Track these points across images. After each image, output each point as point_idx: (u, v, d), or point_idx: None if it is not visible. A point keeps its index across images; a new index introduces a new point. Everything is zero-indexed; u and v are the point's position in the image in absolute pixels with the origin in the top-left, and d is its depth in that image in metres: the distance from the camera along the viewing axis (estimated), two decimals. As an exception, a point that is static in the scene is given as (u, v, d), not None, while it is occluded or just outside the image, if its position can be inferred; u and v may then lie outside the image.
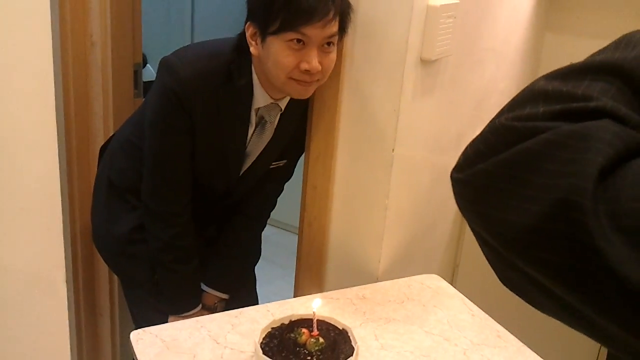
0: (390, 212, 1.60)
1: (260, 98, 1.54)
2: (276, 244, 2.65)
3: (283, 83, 1.42)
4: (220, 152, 1.61)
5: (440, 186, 1.88)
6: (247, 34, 1.44)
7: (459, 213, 2.06)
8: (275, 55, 1.38)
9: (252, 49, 1.44)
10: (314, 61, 1.37)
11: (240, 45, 1.48)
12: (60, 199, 1.45)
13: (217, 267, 1.80)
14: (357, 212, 1.64)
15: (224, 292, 1.80)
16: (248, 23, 1.43)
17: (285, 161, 1.75)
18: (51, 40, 1.26)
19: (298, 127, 1.67)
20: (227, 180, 1.69)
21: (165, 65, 1.49)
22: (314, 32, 1.35)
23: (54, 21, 1.26)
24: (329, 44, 1.39)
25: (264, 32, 1.38)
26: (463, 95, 1.86)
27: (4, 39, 1.26)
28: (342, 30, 1.42)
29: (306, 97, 1.49)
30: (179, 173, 1.60)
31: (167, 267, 1.67)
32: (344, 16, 1.41)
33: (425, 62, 1.53)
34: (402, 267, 1.74)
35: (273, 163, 1.73)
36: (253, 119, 1.57)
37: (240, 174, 1.69)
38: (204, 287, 1.78)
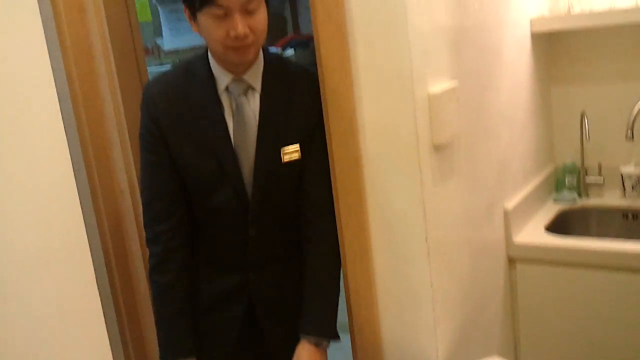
0: (437, 299, 1.57)
1: (222, 77, 1.55)
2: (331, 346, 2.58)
3: (222, 53, 1.47)
4: (206, 152, 1.55)
5: (482, 261, 1.86)
6: (186, 16, 1.50)
7: (507, 287, 2.04)
8: (207, 30, 1.44)
9: (194, 29, 1.50)
10: (239, 27, 1.41)
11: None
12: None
13: (310, 312, 1.63)
14: (404, 308, 1.61)
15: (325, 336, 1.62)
16: (184, 6, 1.49)
17: (296, 148, 1.59)
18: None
19: (295, 112, 1.59)
20: (233, 189, 1.57)
21: (145, 91, 1.59)
22: (232, 1, 1.39)
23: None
24: (248, 4, 1.41)
25: (193, 12, 1.45)
26: (484, 168, 1.86)
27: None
28: None
29: (248, 60, 1.51)
30: (162, 186, 1.57)
31: (152, 301, 1.64)
32: None
33: (438, 147, 1.55)
34: (461, 352, 1.69)
35: (284, 154, 1.57)
36: (225, 102, 1.56)
37: (248, 179, 1.57)
38: (304, 342, 1.60)
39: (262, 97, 1.56)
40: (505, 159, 2.04)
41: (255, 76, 1.56)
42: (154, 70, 2.58)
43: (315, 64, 1.54)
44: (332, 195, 1.60)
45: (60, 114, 1.02)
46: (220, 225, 1.64)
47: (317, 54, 1.52)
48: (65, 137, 1.04)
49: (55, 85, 1.01)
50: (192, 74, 1.56)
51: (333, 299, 1.64)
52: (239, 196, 1.57)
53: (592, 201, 2.38)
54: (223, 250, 1.66)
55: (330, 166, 1.59)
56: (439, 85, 1.53)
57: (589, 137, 2.30)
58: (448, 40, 1.61)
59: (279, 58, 1.68)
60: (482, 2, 1.80)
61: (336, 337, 1.63)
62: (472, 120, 1.74)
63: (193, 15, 1.45)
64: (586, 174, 2.39)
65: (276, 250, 1.68)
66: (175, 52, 2.72)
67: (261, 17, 1.45)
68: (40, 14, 0.98)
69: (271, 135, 1.56)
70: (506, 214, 2.01)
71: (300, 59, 2.68)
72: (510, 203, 2.04)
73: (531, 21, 2.20)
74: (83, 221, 1.07)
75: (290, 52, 2.71)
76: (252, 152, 1.56)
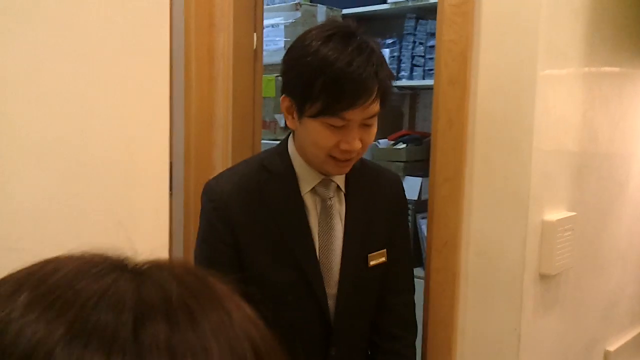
0: None
1: (309, 177, 1.37)
2: None
3: (322, 161, 1.31)
4: (286, 262, 1.35)
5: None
6: (283, 106, 1.33)
7: None
8: (314, 135, 1.27)
9: (288, 122, 1.34)
10: (354, 142, 1.26)
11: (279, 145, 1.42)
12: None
13: None
14: None
15: None
16: (283, 95, 1.32)
17: (383, 252, 1.43)
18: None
19: (383, 217, 1.44)
20: (317, 305, 1.37)
21: (204, 190, 1.39)
22: (356, 115, 1.24)
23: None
24: (370, 118, 1.28)
25: (301, 112, 1.27)
26: (588, 306, 1.74)
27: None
28: (383, 105, 1.29)
29: (344, 173, 1.37)
30: None
31: None
32: (386, 90, 1.28)
33: (544, 277, 1.46)
34: None
35: (370, 259, 1.41)
36: (309, 202, 1.37)
37: (332, 292, 1.38)
38: None
39: (347, 198, 1.41)
40: (614, 298, 1.90)
41: (341, 177, 1.42)
42: (267, 142, 2.64)
43: (423, 160, 1.50)
44: (414, 305, 1.49)
45: (167, 179, 1.04)
46: (295, 346, 1.40)
47: (431, 159, 1.49)
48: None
49: (171, 150, 1.03)
50: (268, 172, 1.37)
51: None
52: (322, 313, 1.38)
53: None
54: None
55: (425, 277, 1.53)
56: (555, 213, 1.46)
57: None
58: (571, 165, 1.54)
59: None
60: (612, 131, 1.72)
61: None
62: (585, 252, 1.64)
63: (299, 115, 1.28)
64: (702, 329, 2.19)
65: None
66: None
67: (374, 131, 1.32)
68: (172, 81, 1.01)
69: (358, 240, 1.40)
70: (606, 356, 1.86)
71: (410, 155, 2.66)
72: (613, 345, 1.89)
73: (662, 157, 2.09)
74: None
75: (401, 146, 2.71)
76: (337, 260, 1.38)
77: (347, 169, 1.35)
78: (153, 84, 0.97)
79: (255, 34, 1.87)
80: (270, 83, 2.74)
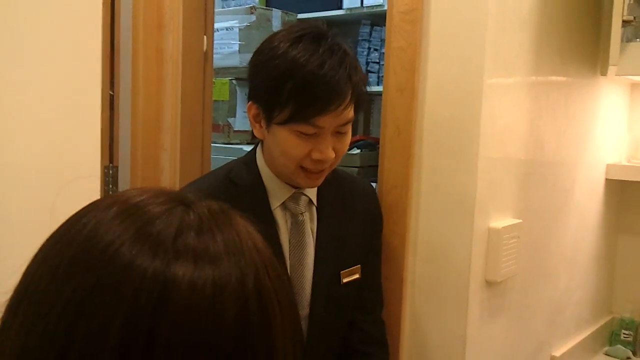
0: None
1: (279, 191, 1.28)
2: None
3: (292, 173, 1.22)
4: None
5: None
6: (249, 114, 1.23)
7: None
8: (283, 145, 1.18)
9: (255, 132, 1.25)
10: (327, 151, 1.17)
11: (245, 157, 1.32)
12: None
13: None
14: None
15: None
16: (250, 102, 1.23)
17: (357, 268, 1.37)
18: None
19: (357, 233, 1.38)
20: None
21: None
22: (328, 121, 1.15)
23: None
24: (344, 126, 1.19)
25: (269, 119, 1.18)
26: (534, 312, 1.75)
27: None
28: (357, 110, 1.21)
29: (316, 186, 1.28)
30: None
31: None
32: (360, 96, 1.20)
33: (490, 284, 1.47)
34: None
35: (343, 276, 1.34)
36: (279, 218, 1.29)
37: (303, 312, 1.30)
38: None
39: (320, 212, 1.32)
40: (560, 304, 1.92)
41: (313, 190, 1.33)
42: (220, 146, 2.62)
43: (377, 166, 1.49)
44: (383, 323, 1.45)
45: (99, 184, 1.02)
46: None
47: (379, 166, 1.49)
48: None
49: (117, 152, 1.01)
50: (235, 185, 1.28)
51: None
52: None
53: (648, 362, 2.21)
54: None
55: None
56: (501, 221, 1.47)
57: (653, 295, 2.16)
58: (517, 173, 1.56)
59: None
60: (558, 140, 1.75)
61: None
62: (531, 259, 1.66)
63: (267, 122, 1.20)
64: (645, 333, 2.24)
65: None
66: (244, 132, 2.76)
67: (348, 139, 1.23)
68: (118, 82, 0.99)
69: (331, 257, 1.33)
70: (552, 362, 1.88)
71: (364, 161, 2.66)
72: (559, 350, 1.91)
73: (607, 167, 2.13)
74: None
75: (356, 151, 2.70)
76: (309, 279, 1.30)
77: (320, 181, 1.26)
78: (84, 83, 0.94)
79: (205, 36, 1.85)
80: (224, 86, 2.72)
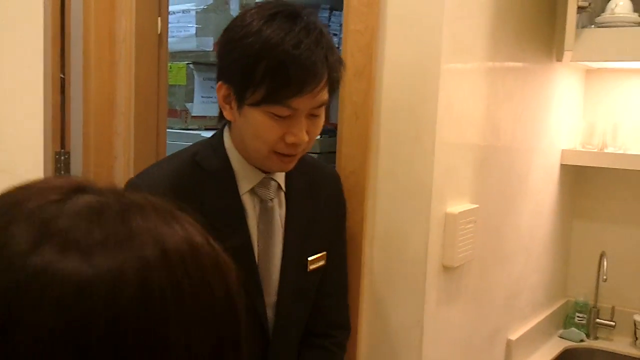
0: None
1: (249, 176, 1.24)
2: None
3: (264, 157, 1.18)
4: None
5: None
6: (219, 95, 1.18)
7: None
8: (256, 127, 1.14)
9: (225, 113, 1.19)
10: (301, 133, 1.14)
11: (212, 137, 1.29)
12: None
13: None
14: None
15: None
16: (220, 82, 1.17)
17: (323, 255, 1.34)
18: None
19: (324, 218, 1.35)
20: (253, 316, 1.24)
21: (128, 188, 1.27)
22: (303, 103, 1.12)
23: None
24: (318, 108, 1.16)
25: (241, 100, 1.14)
26: (491, 296, 1.77)
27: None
28: (332, 93, 1.18)
29: (288, 169, 1.25)
30: None
31: None
32: (336, 77, 1.17)
33: (447, 269, 1.48)
34: None
35: (310, 263, 1.32)
36: (248, 204, 1.24)
37: (270, 300, 1.27)
38: None
39: (288, 198, 1.29)
40: (517, 288, 1.95)
41: (282, 173, 1.29)
42: (176, 131, 2.56)
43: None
44: (347, 307, 1.44)
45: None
46: None
47: (337, 152, 1.48)
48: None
49: (68, 137, 0.97)
50: (201, 169, 1.23)
51: None
52: (260, 324, 1.26)
53: (600, 343, 2.26)
54: None
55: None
56: (458, 206, 1.47)
57: (605, 277, 2.21)
58: (474, 159, 1.56)
59: None
60: (514, 126, 1.76)
61: None
62: (487, 243, 1.67)
63: (239, 103, 1.15)
64: (598, 315, 2.29)
65: None
66: (202, 118, 2.71)
67: (321, 122, 1.20)
68: (69, 65, 0.95)
69: (298, 243, 1.30)
70: (509, 345, 1.90)
71: (324, 147, 2.65)
72: (515, 334, 1.94)
73: (562, 152, 2.16)
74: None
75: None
76: (277, 266, 1.27)
77: (292, 165, 1.22)
78: (25, 64, 0.90)
79: (159, 18, 1.80)
80: (181, 71, 2.66)
